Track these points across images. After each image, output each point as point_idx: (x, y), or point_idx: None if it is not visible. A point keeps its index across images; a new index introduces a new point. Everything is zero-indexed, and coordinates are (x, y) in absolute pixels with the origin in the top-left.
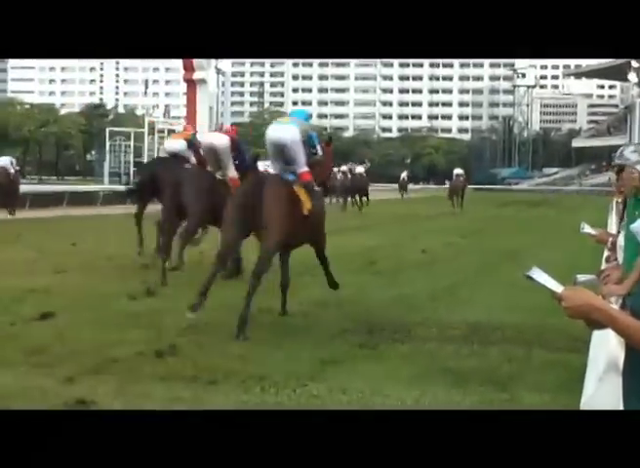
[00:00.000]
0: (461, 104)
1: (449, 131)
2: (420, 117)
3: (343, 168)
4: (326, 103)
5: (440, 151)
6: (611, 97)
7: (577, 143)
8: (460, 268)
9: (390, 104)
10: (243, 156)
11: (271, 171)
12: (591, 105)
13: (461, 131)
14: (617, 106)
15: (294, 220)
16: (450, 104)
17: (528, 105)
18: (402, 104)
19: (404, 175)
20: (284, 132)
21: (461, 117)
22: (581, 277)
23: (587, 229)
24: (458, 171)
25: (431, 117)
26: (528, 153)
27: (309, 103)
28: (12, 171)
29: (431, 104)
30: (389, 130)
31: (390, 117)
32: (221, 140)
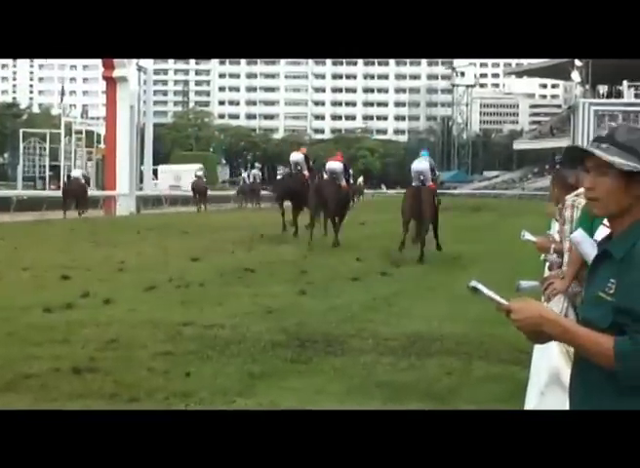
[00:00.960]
0: (398, 104)
1: (384, 132)
2: (353, 117)
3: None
4: (255, 103)
5: (375, 154)
6: (554, 96)
7: (518, 145)
8: (399, 277)
9: (323, 104)
10: (348, 173)
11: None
12: (533, 106)
13: (398, 132)
14: (560, 106)
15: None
16: (385, 104)
17: (467, 105)
18: (335, 104)
19: (360, 179)
20: (424, 165)
21: (398, 117)
22: (524, 283)
23: (528, 236)
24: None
25: (366, 118)
26: (468, 155)
27: (237, 103)
28: (82, 181)
29: (366, 104)
30: (322, 131)
31: (323, 117)
32: (339, 165)
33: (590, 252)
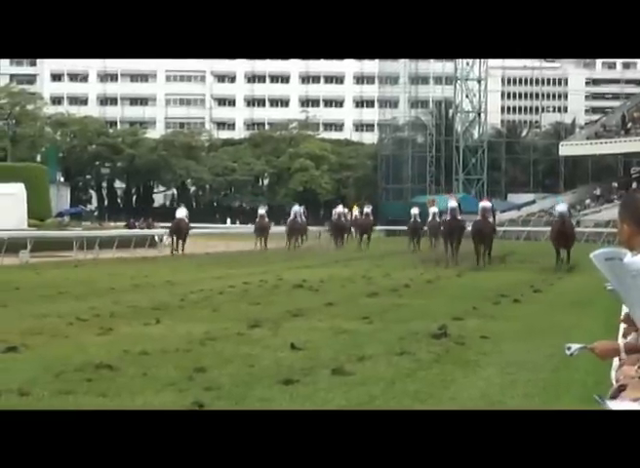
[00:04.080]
0: (360, 80)
1: (338, 127)
2: (285, 102)
3: (414, 211)
4: (112, 77)
5: (322, 165)
6: (626, 66)
7: (567, 149)
8: None
9: (232, 79)
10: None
11: None
12: (593, 81)
13: (361, 127)
14: (638, 82)
15: None
16: (340, 79)
17: (481, 81)
18: (252, 79)
19: (296, 208)
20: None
21: (361, 103)
22: (574, 347)
23: (575, 348)
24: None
25: (307, 103)
26: (481, 167)
27: (83, 78)
28: (186, 220)
29: (306, 80)
30: (230, 125)
31: (232, 102)
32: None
33: None
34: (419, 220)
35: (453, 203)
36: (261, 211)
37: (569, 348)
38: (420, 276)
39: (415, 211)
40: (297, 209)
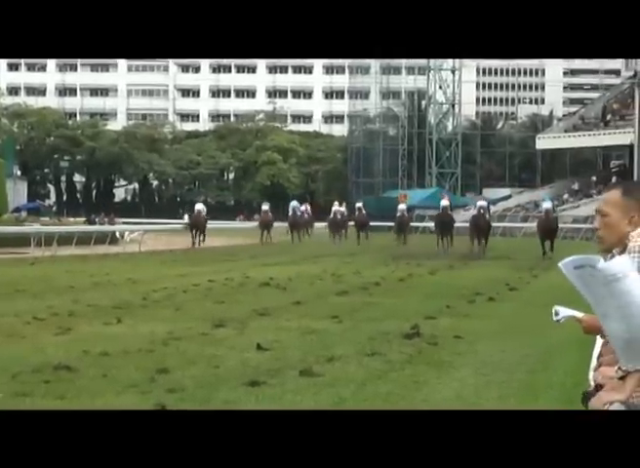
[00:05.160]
0: (330, 70)
1: (307, 119)
2: (252, 94)
3: (401, 206)
4: (71, 67)
5: (291, 157)
6: None
7: (544, 143)
8: None
9: (196, 70)
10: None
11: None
12: (571, 72)
13: (331, 119)
14: (618, 73)
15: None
16: (309, 70)
17: (455, 71)
18: (218, 70)
19: (266, 207)
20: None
21: (331, 94)
22: (562, 312)
23: (565, 313)
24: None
25: (274, 94)
26: (455, 161)
27: (41, 68)
28: (204, 213)
29: (273, 70)
30: (195, 116)
31: (196, 94)
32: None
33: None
34: (406, 215)
35: (445, 202)
36: (265, 206)
37: (557, 313)
38: (392, 274)
39: (401, 206)
40: (294, 204)
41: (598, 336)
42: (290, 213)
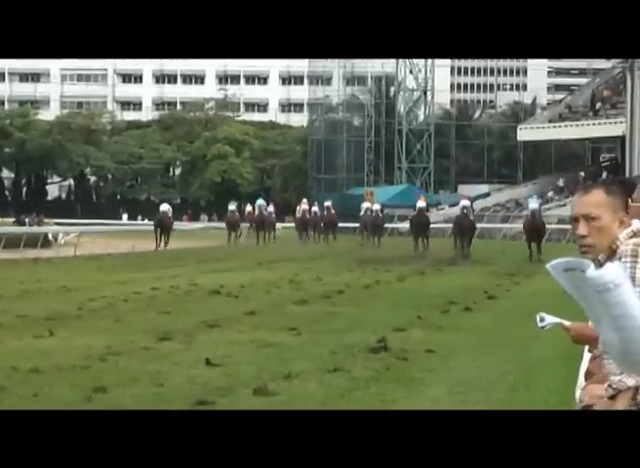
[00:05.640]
0: None
1: (262, 107)
2: (200, 79)
3: (376, 206)
4: None
5: (244, 151)
6: None
7: (526, 134)
8: None
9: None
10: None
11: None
12: None
13: (288, 107)
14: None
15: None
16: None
17: None
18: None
19: (233, 206)
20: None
21: (288, 79)
22: (548, 319)
23: (551, 320)
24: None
25: (226, 79)
26: (427, 155)
27: None
28: (170, 214)
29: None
30: (136, 104)
31: (139, 79)
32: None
33: None
34: (380, 216)
35: (422, 203)
36: (232, 206)
37: (542, 319)
38: (357, 280)
39: (375, 206)
40: (261, 202)
41: (586, 350)
42: (256, 212)
